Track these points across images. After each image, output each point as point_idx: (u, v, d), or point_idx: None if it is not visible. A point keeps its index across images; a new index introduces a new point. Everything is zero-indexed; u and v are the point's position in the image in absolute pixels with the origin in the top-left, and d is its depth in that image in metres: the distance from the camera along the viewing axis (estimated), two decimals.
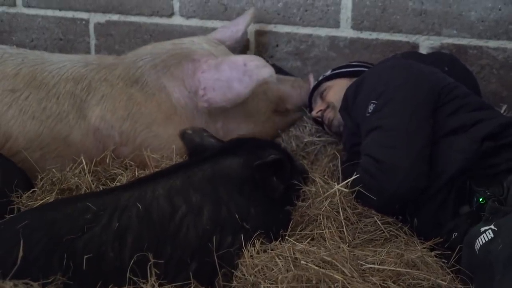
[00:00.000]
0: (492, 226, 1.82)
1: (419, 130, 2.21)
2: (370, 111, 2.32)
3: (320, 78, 2.95)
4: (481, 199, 2.03)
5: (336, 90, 2.77)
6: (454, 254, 1.97)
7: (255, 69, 2.57)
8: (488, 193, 2.03)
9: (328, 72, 2.95)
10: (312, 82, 2.92)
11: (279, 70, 3.05)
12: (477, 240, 1.82)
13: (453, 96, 2.32)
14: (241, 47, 3.16)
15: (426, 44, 3.14)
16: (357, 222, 2.15)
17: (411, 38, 3.17)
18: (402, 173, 2.12)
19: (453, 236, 2.07)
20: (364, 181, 2.16)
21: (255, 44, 3.36)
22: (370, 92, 2.37)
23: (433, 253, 2.01)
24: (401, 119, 2.23)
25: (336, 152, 2.67)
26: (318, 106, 2.88)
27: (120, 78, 2.71)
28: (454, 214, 2.14)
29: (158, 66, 2.73)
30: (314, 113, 2.87)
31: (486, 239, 1.80)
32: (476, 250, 1.82)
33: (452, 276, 1.90)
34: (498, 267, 1.69)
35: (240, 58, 2.62)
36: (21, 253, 1.73)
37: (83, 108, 2.66)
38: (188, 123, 2.65)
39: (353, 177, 2.22)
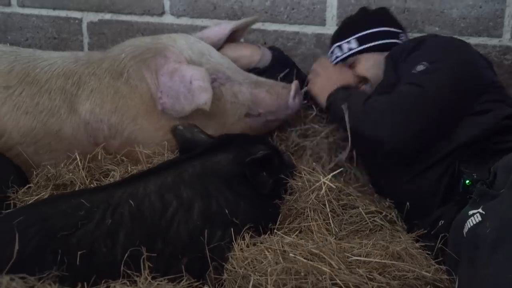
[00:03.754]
0: (480, 210, 1.80)
1: (441, 116, 2.28)
2: (418, 69, 2.33)
3: (348, 52, 2.75)
4: (467, 181, 2.03)
5: (370, 66, 2.68)
6: (438, 242, 1.98)
7: (196, 90, 2.52)
8: (475, 176, 2.03)
9: (354, 45, 2.73)
10: (295, 89, 2.75)
11: (298, 71, 3.03)
12: (466, 224, 1.81)
13: (494, 99, 2.35)
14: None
15: None
16: (342, 214, 2.15)
17: None
18: (386, 137, 2.26)
19: (440, 224, 2.09)
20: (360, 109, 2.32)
21: (244, 41, 3.34)
22: (427, 54, 2.38)
23: (417, 244, 2.00)
24: (439, 94, 2.27)
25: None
26: (353, 80, 2.73)
27: (107, 72, 2.69)
28: (442, 201, 2.17)
29: (138, 57, 2.70)
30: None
31: (474, 222, 1.79)
32: (464, 234, 1.81)
33: (436, 267, 1.89)
34: (484, 250, 1.68)
35: (188, 73, 2.56)
36: (16, 247, 1.71)
37: (74, 103, 2.64)
38: (165, 118, 2.64)
39: (338, 170, 2.30)
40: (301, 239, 1.94)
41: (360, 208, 2.17)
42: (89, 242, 1.83)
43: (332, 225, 2.07)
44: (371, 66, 2.64)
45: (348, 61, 2.73)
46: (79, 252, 1.79)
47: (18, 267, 1.66)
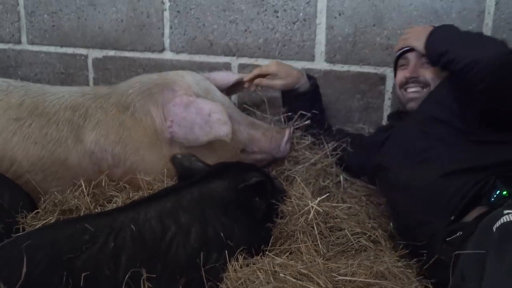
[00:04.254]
0: None
1: None
2: None
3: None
4: (504, 192, 2.01)
5: (436, 72, 2.58)
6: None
7: (215, 122, 2.55)
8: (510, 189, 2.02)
9: (421, 47, 2.58)
10: (287, 136, 2.81)
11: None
12: (498, 221, 1.76)
13: None
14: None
15: (392, 75, 3.16)
16: (330, 236, 2.15)
17: (379, 70, 3.20)
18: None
19: (458, 234, 2.03)
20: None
21: None
22: None
23: (399, 263, 2.01)
24: None
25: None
26: (415, 70, 2.65)
27: (113, 106, 2.71)
28: (464, 207, 2.12)
29: (145, 93, 2.72)
30: (408, 74, 2.65)
31: (508, 220, 1.74)
32: (494, 229, 1.75)
33: (416, 286, 1.90)
34: None
35: (207, 107, 2.59)
36: (24, 269, 1.72)
37: (80, 134, 2.65)
38: (167, 148, 2.66)
39: (325, 195, 2.27)
40: (291, 260, 1.95)
41: (346, 230, 2.17)
42: (93, 264, 1.83)
43: (320, 247, 2.07)
44: (438, 77, 2.57)
45: (423, 59, 2.62)
46: (83, 274, 1.78)
47: None
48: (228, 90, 3.06)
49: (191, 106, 2.61)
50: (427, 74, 2.61)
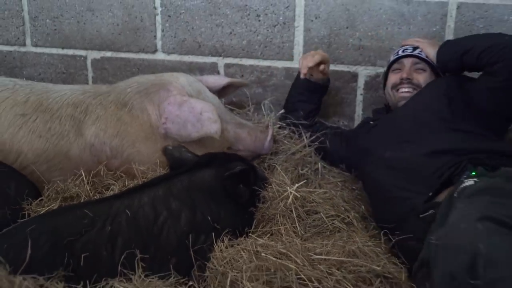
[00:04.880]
0: (475, 179, 1.87)
1: None
2: None
3: (426, 57, 2.70)
4: (474, 173, 2.03)
5: (427, 78, 2.68)
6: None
7: (206, 120, 2.56)
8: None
9: (433, 53, 2.64)
10: (270, 135, 2.81)
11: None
12: (458, 188, 1.85)
13: None
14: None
15: (364, 73, 3.19)
16: (307, 218, 2.17)
17: (352, 68, 3.22)
18: None
19: (430, 212, 2.03)
20: None
21: (224, 75, 3.36)
22: None
23: (369, 243, 2.02)
24: None
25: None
26: (410, 73, 2.70)
27: (112, 103, 2.70)
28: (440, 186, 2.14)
29: (142, 92, 2.72)
30: (405, 75, 2.69)
31: (466, 185, 1.84)
32: (455, 195, 1.83)
33: (385, 262, 1.90)
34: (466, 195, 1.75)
35: (199, 106, 2.60)
36: (29, 251, 1.72)
37: (81, 128, 2.64)
38: (161, 142, 2.65)
39: (303, 181, 2.31)
40: (272, 240, 1.96)
41: (321, 213, 2.18)
42: (92, 246, 1.84)
43: (298, 228, 2.09)
44: (426, 82, 2.65)
45: (418, 65, 2.72)
46: (83, 255, 1.79)
47: (31, 269, 1.67)
48: (219, 92, 3.05)
49: (185, 105, 2.62)
50: (420, 78, 2.67)
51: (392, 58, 2.82)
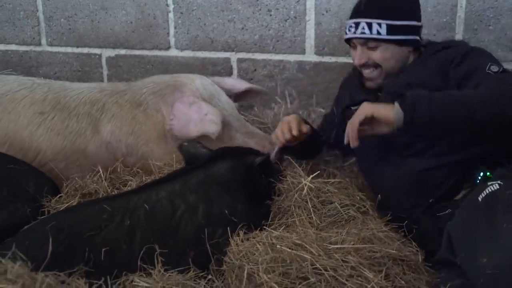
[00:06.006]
0: (498, 181, 1.76)
1: None
2: (494, 70, 2.13)
3: (375, 36, 2.32)
4: (488, 174, 1.99)
5: (388, 56, 2.35)
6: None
7: (208, 121, 2.58)
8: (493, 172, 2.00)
9: (383, 32, 2.31)
10: (277, 150, 2.49)
11: None
12: (482, 193, 1.76)
13: None
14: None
15: None
16: (322, 208, 2.16)
17: None
18: None
19: (447, 211, 2.03)
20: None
21: (237, 70, 3.38)
22: (487, 58, 2.22)
23: (384, 228, 2.03)
24: None
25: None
26: (362, 57, 2.40)
27: (128, 102, 2.73)
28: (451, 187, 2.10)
29: (157, 93, 2.74)
30: (357, 61, 2.40)
31: (493, 190, 1.74)
32: (479, 199, 1.75)
33: (400, 246, 1.90)
34: (504, 208, 1.65)
35: (206, 107, 2.62)
36: (50, 248, 1.73)
37: (98, 126, 2.67)
38: (171, 144, 2.67)
39: (316, 173, 2.26)
40: (287, 232, 1.96)
41: (336, 203, 2.17)
42: (111, 240, 1.85)
43: (314, 219, 2.08)
44: (388, 57, 2.36)
45: (369, 44, 2.36)
46: (103, 250, 1.80)
47: (52, 265, 1.68)
48: (239, 96, 3.03)
49: (194, 105, 2.65)
50: (375, 56, 2.36)
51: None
